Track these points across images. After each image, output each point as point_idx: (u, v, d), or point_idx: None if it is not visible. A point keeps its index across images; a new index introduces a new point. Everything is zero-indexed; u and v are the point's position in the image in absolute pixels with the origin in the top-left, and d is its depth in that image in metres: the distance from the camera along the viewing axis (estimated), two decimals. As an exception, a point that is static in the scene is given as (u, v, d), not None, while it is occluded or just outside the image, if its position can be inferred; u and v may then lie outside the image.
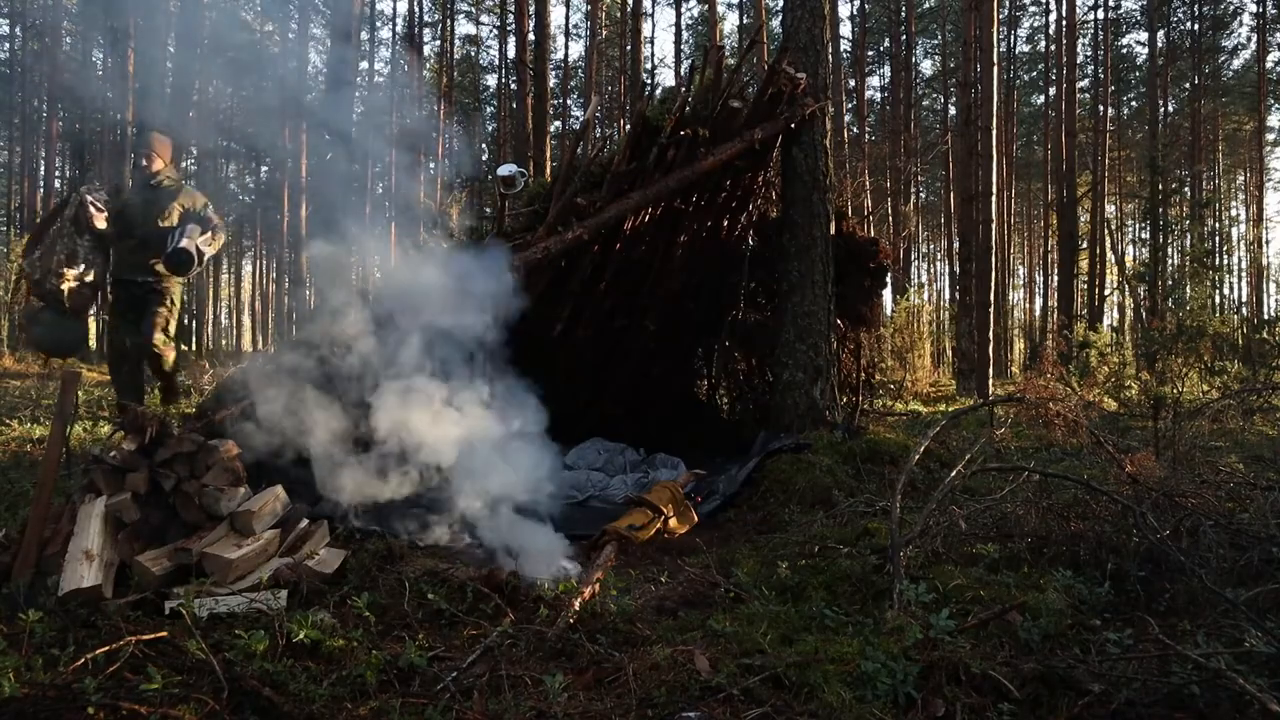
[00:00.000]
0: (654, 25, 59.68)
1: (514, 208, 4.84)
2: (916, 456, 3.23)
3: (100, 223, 4.19)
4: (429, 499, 3.43)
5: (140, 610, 2.33)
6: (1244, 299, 30.63)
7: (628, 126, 6.66)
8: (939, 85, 30.65)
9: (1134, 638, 1.97)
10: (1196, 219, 21.59)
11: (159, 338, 4.37)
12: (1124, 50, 30.14)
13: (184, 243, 4.04)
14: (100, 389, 9.29)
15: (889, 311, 14.06)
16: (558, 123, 24.94)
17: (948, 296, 28.85)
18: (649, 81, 26.53)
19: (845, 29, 26.24)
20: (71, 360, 5.96)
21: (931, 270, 38.57)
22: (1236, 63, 29.69)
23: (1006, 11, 26.23)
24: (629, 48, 23.03)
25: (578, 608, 2.27)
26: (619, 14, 26.86)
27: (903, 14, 26.44)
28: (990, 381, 11.98)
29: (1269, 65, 27.42)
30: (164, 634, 1.97)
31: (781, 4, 11.39)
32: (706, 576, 2.82)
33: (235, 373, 3.67)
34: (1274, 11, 25.49)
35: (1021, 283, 38.94)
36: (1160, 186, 18.75)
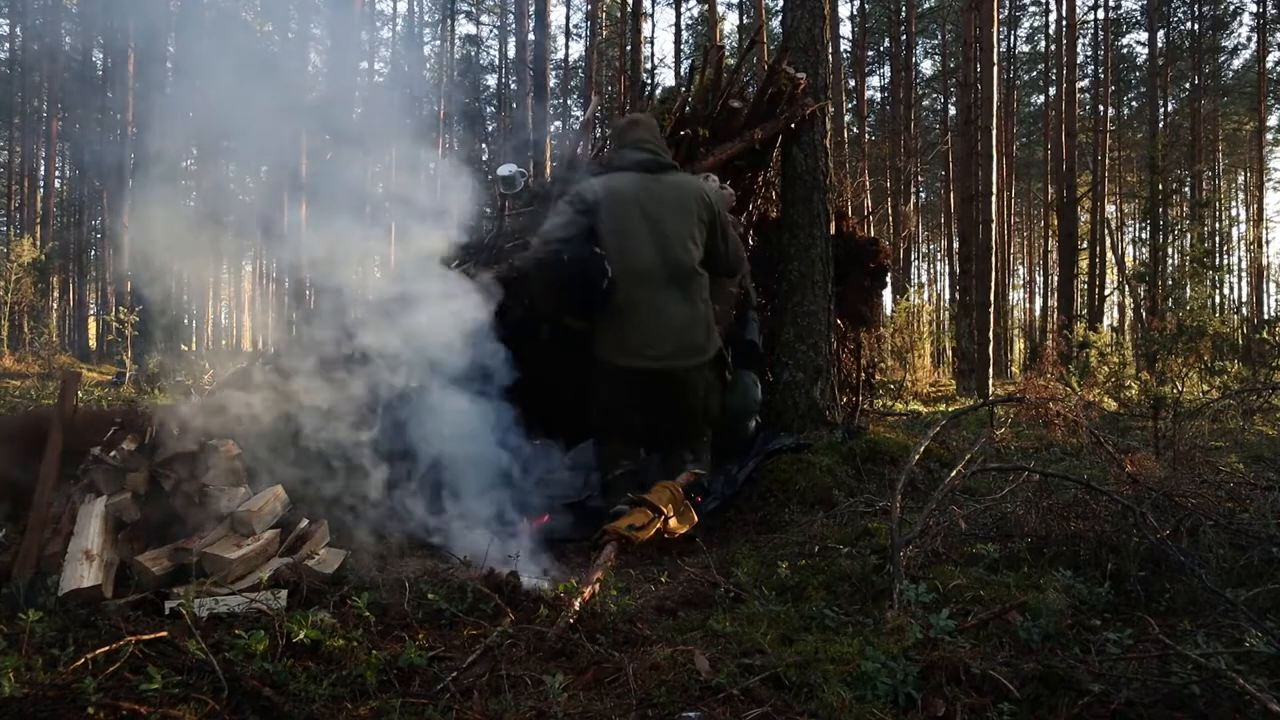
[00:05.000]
0: (654, 25, 59.65)
1: (514, 208, 4.84)
2: (916, 456, 3.23)
3: None
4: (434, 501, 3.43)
5: (140, 610, 2.33)
6: (1244, 299, 30.66)
7: (628, 126, 6.66)
8: (939, 85, 30.67)
9: (1134, 638, 1.97)
10: (1196, 219, 21.61)
11: None
12: (1124, 50, 30.17)
13: None
14: (100, 389, 9.30)
15: (889, 311, 14.07)
16: (558, 123, 24.96)
17: (948, 296, 28.86)
18: (649, 81, 26.53)
19: (845, 29, 26.25)
20: (71, 360, 5.98)
21: (931, 270, 38.60)
22: (1236, 63, 29.75)
23: (1006, 11, 26.24)
24: (629, 48, 23.03)
25: (578, 608, 2.27)
26: (619, 14, 26.87)
27: (903, 14, 26.45)
28: (990, 381, 11.99)
29: (1269, 65, 27.45)
30: (164, 634, 1.96)
31: (781, 4, 11.38)
32: (706, 576, 2.82)
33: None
34: (1274, 11, 25.51)
35: (1021, 283, 38.96)
36: (1160, 186, 18.76)
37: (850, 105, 24.56)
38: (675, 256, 3.44)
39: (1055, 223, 22.72)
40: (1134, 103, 31.63)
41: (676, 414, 3.65)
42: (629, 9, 22.81)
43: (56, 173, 28.25)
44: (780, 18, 13.22)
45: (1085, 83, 26.72)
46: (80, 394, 6.50)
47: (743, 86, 4.92)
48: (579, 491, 4.35)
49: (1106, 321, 23.76)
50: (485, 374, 3.61)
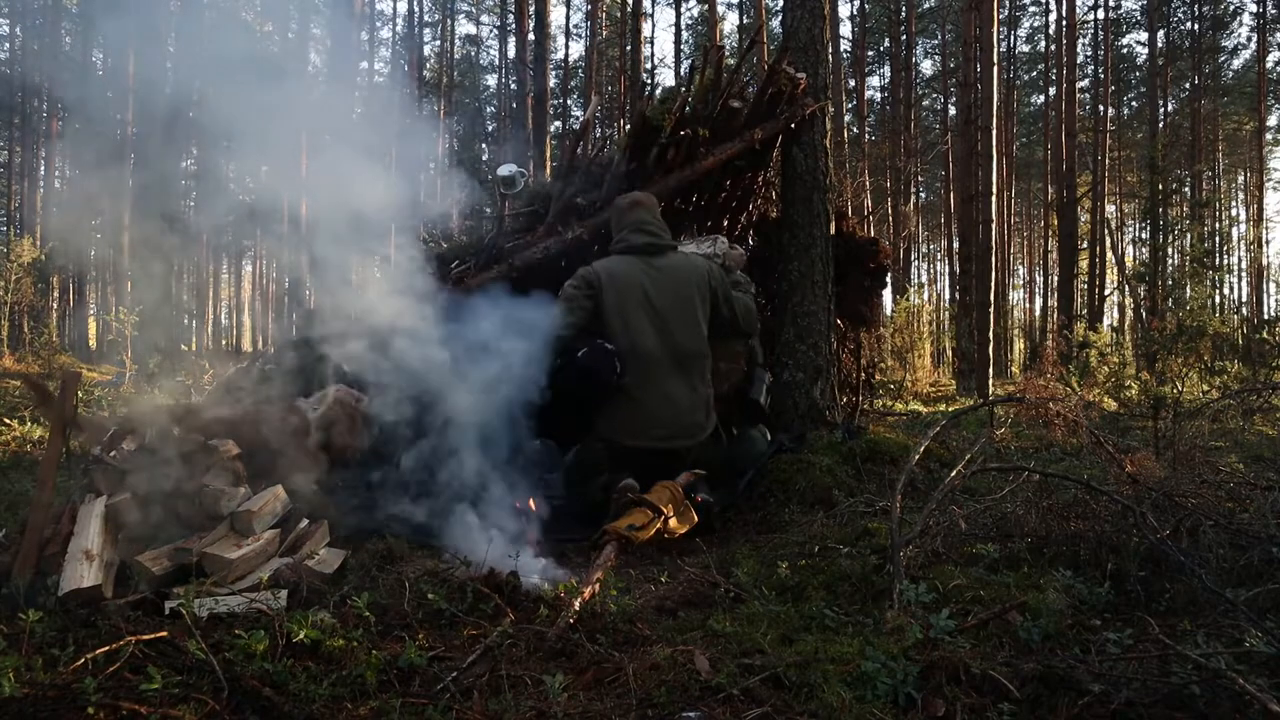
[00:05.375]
0: (654, 25, 59.69)
1: (514, 208, 4.84)
2: (916, 456, 3.23)
3: None
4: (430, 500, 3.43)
5: (140, 610, 2.33)
6: (1244, 299, 30.67)
7: (628, 126, 6.67)
8: (939, 85, 30.67)
9: (1134, 638, 1.97)
10: (1196, 219, 21.60)
11: None
12: (1124, 50, 30.19)
13: None
14: (100, 389, 9.29)
15: (889, 311, 14.07)
16: (558, 123, 24.96)
17: (948, 296, 28.86)
18: (649, 81, 26.57)
19: (845, 29, 26.26)
20: (71, 360, 6.00)
21: (931, 270, 38.62)
22: (1236, 63, 29.77)
23: (1006, 11, 26.25)
24: (629, 48, 23.04)
25: (578, 608, 2.27)
26: (619, 14, 26.87)
27: (903, 14, 26.46)
28: (990, 381, 11.99)
29: (1269, 65, 27.46)
30: (164, 634, 1.96)
31: (781, 4, 11.38)
32: (706, 576, 2.82)
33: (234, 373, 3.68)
34: (1274, 11, 25.52)
35: (1021, 283, 38.97)
36: (1160, 186, 18.75)
37: (850, 105, 24.56)
38: (677, 341, 3.58)
39: (1055, 223, 22.72)
40: (1134, 103, 31.63)
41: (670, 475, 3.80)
42: (629, 9, 22.82)
43: (56, 173, 28.24)
44: (780, 18, 13.22)
45: (1085, 83, 26.73)
46: (80, 394, 6.49)
47: (743, 86, 4.91)
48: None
49: (1106, 321, 23.78)
50: (483, 375, 3.61)
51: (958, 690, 1.74)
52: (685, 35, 29.69)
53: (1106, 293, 22.47)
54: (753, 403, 4.39)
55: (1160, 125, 23.55)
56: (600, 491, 3.74)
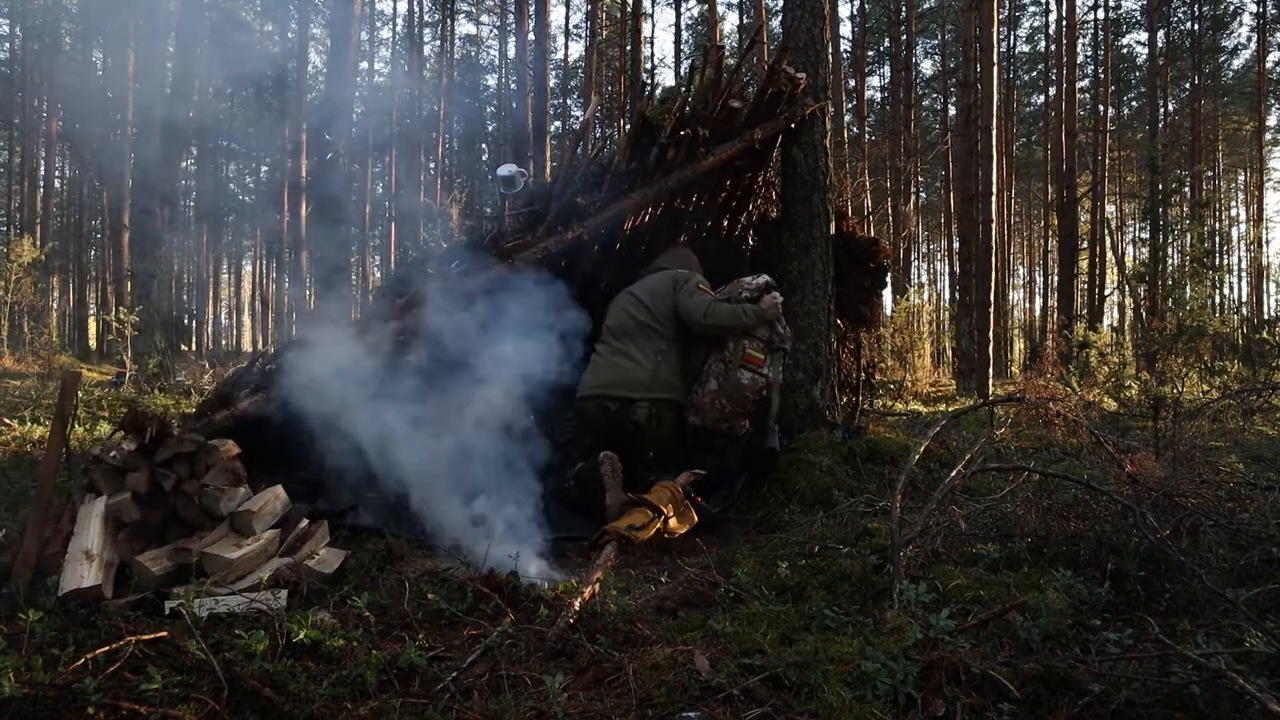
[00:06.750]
0: (654, 25, 59.74)
1: (514, 208, 4.83)
2: (916, 456, 3.23)
3: None
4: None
5: (140, 610, 2.33)
6: (1244, 299, 30.65)
7: (628, 126, 6.66)
8: (939, 85, 30.67)
9: (1134, 638, 1.97)
10: (1196, 219, 21.58)
11: None
12: (1124, 50, 30.15)
13: None
14: (100, 389, 9.29)
15: (889, 311, 14.06)
16: (558, 123, 24.96)
17: (948, 296, 28.83)
18: (649, 81, 26.56)
19: (845, 29, 26.26)
20: (71, 360, 5.98)
21: (931, 270, 38.63)
22: (1236, 63, 29.74)
23: (1006, 11, 26.25)
24: (629, 48, 23.04)
25: (578, 608, 2.27)
26: (619, 14, 26.85)
27: (903, 14, 26.46)
28: (990, 381, 11.99)
29: (1269, 65, 27.44)
30: (164, 634, 1.96)
31: (781, 4, 11.37)
32: (706, 576, 2.82)
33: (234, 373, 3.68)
34: (1274, 11, 25.52)
35: (1021, 283, 38.96)
36: (1160, 186, 18.75)
37: (850, 105, 24.57)
38: (633, 317, 4.26)
39: (1055, 223, 22.70)
40: (1134, 103, 31.60)
41: (629, 447, 3.98)
42: (629, 9, 22.82)
43: (56, 173, 28.24)
44: (780, 18, 13.21)
45: (1085, 83, 26.70)
46: (80, 394, 6.49)
47: (743, 86, 4.91)
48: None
49: (1106, 321, 23.78)
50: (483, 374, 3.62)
51: (958, 690, 1.74)
52: (685, 35, 29.69)
53: (1106, 293, 22.46)
54: (769, 451, 4.38)
55: (1160, 125, 23.52)
56: (571, 479, 3.85)
